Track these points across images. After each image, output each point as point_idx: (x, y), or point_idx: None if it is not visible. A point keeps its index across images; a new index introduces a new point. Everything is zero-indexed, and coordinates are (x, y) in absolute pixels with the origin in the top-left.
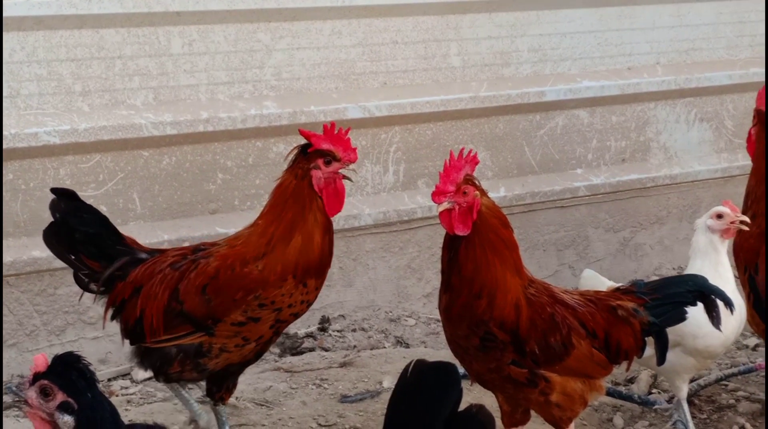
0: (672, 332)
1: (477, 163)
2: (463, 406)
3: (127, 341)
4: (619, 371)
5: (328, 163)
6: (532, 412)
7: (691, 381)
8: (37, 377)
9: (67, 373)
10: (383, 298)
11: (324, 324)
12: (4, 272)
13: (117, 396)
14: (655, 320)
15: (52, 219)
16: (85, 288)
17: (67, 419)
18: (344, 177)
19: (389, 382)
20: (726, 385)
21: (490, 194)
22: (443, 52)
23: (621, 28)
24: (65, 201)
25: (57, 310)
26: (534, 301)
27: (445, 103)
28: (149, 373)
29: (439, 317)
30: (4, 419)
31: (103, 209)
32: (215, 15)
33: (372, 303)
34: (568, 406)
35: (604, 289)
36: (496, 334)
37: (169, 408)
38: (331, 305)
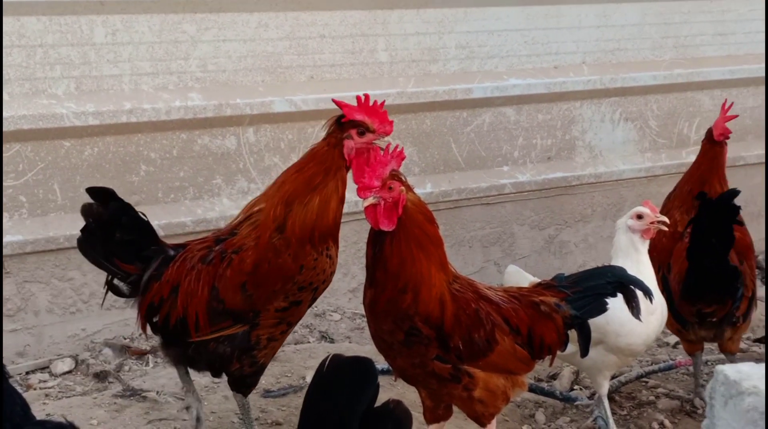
0: (595, 330)
1: (403, 158)
2: (390, 403)
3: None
4: (541, 367)
5: (361, 134)
6: (455, 408)
7: (612, 378)
8: None
9: None
10: None
11: None
12: None
13: (35, 389)
14: (576, 313)
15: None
16: (118, 293)
17: None
18: (378, 148)
19: None
20: (646, 382)
21: (417, 190)
22: (371, 47)
23: (548, 27)
24: (107, 203)
25: None
26: (459, 296)
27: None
28: (68, 366)
29: (364, 312)
30: None
31: (21, 200)
32: (139, 5)
33: None
34: (491, 401)
35: (526, 284)
36: (420, 328)
37: (88, 402)
38: None
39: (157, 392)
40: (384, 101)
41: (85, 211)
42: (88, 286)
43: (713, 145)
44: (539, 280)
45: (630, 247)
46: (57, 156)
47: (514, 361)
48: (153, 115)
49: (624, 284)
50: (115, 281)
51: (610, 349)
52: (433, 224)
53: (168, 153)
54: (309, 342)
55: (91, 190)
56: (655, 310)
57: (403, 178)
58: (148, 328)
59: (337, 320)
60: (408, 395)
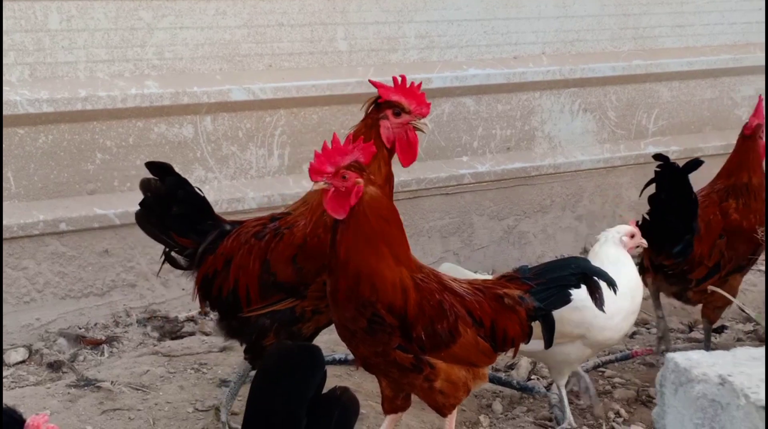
0: (580, 325)
1: (373, 152)
2: (337, 390)
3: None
4: (501, 358)
5: (397, 115)
6: (414, 398)
7: None
8: None
9: None
10: None
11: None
12: None
13: None
14: (540, 305)
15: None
16: (175, 265)
17: None
18: (417, 129)
19: None
20: (603, 372)
21: None
22: (330, 36)
23: (508, 17)
24: (164, 178)
25: None
26: (423, 286)
27: (331, 87)
28: (21, 356)
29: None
30: None
31: None
32: None
33: None
34: (452, 393)
35: None
36: (384, 316)
37: (41, 392)
38: None
39: (112, 382)
40: (421, 83)
41: (144, 185)
42: (43, 276)
43: (745, 139)
44: (479, 276)
45: (618, 259)
46: (11, 144)
47: (476, 354)
48: (109, 102)
49: (588, 275)
50: (173, 253)
51: (589, 343)
52: (390, 222)
53: (124, 141)
54: None
55: (149, 165)
56: (636, 310)
57: (365, 172)
58: (206, 304)
59: None
60: (365, 385)
